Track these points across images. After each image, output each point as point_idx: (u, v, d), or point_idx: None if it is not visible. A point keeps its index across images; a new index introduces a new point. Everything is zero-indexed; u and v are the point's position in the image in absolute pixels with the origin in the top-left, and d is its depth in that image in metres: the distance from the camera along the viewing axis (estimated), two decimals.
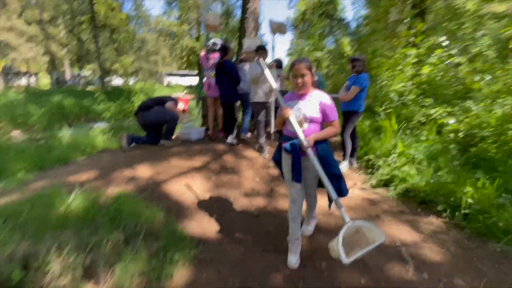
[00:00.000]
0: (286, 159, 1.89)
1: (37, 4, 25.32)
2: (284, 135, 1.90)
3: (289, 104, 1.84)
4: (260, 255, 2.05)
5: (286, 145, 1.78)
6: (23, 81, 33.90)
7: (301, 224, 2.08)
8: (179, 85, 24.65)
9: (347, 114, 3.59)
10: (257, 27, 7.65)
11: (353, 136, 3.68)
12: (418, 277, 1.78)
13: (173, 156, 3.26)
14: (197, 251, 2.04)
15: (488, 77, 3.49)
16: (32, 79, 32.87)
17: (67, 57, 32.86)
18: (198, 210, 2.47)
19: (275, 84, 1.96)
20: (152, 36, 29.59)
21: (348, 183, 3.22)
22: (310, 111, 1.76)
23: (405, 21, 9.62)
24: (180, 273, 1.91)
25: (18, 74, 34.28)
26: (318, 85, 4.25)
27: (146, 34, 28.47)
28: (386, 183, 3.14)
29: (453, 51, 4.25)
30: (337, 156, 3.91)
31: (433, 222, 2.44)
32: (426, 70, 4.57)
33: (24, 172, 2.84)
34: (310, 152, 1.70)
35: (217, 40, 4.25)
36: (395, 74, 5.05)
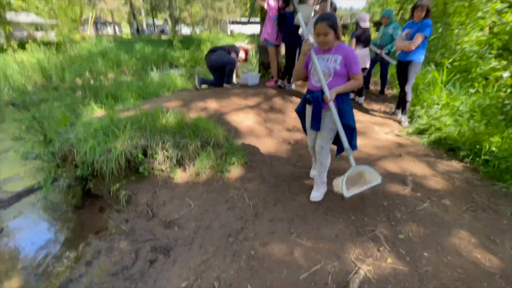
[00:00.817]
0: (309, 110, 2.05)
1: None
2: (308, 89, 2.02)
3: (317, 57, 1.90)
4: (292, 167, 2.78)
5: (310, 96, 1.93)
6: (109, 30, 38.59)
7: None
8: (242, 34, 24.72)
9: (410, 64, 3.42)
10: None
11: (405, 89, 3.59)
12: (413, 194, 2.26)
13: (233, 96, 4.04)
14: (247, 159, 2.89)
15: None
16: (117, 29, 37.01)
17: (143, 7, 35.43)
18: (250, 134, 3.28)
19: (305, 32, 2.00)
20: None
21: (385, 129, 3.57)
22: (333, 64, 1.84)
23: None
24: (235, 170, 2.80)
25: (105, 23, 38.97)
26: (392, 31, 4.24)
27: None
28: (422, 132, 3.37)
29: None
30: (384, 107, 4.13)
31: (452, 165, 2.73)
32: (509, 18, 4.02)
33: (133, 99, 4.03)
34: (332, 104, 1.83)
35: None
36: (473, 22, 4.53)
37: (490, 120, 2.88)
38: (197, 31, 37.94)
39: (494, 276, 1.50)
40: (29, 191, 3.19)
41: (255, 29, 30.71)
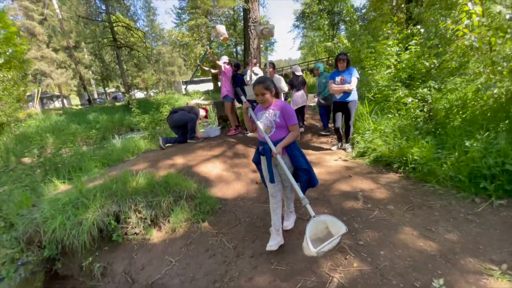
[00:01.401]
0: (263, 160, 2.20)
1: (62, 32, 27.83)
2: (259, 140, 2.23)
3: (258, 113, 2.18)
4: (262, 204, 3.04)
5: (262, 150, 2.12)
6: (56, 104, 37.44)
7: (282, 218, 2.40)
8: (197, 91, 26.12)
9: (350, 104, 3.97)
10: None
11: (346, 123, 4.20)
12: (364, 206, 2.67)
13: (198, 149, 4.34)
14: (220, 204, 3.08)
15: (435, 62, 4.19)
16: (65, 101, 36.09)
17: (92, 77, 35.79)
18: (219, 181, 3.52)
19: (243, 98, 2.36)
20: (167, 48, 31.29)
21: (333, 157, 4.12)
22: (273, 117, 2.08)
23: (402, 6, 10.08)
24: (210, 218, 2.96)
25: (51, 97, 37.91)
26: (320, 73, 5.22)
27: (161, 48, 30.26)
28: (362, 154, 3.99)
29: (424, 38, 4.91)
30: (331, 139, 4.78)
31: (390, 177, 3.28)
32: (404, 56, 5.28)
33: (97, 168, 4.05)
34: (279, 157, 2.01)
35: (225, 58, 5.25)
36: (381, 63, 5.77)
37: (408, 136, 3.61)
38: (151, 94, 39.04)
39: (435, 258, 1.86)
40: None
41: (208, 86, 32.79)
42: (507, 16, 3.22)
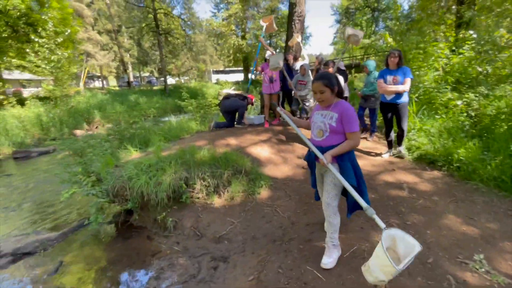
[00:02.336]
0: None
1: (107, 15, 29.41)
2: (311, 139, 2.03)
3: (316, 112, 2.00)
4: (309, 186, 3.40)
5: (306, 158, 2.06)
6: (96, 83, 40.07)
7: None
8: (227, 82, 26.80)
9: (402, 106, 3.71)
10: (302, 28, 8.79)
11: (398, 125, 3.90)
12: (409, 195, 2.93)
13: (247, 133, 4.77)
14: (271, 182, 3.49)
15: (488, 68, 4.20)
16: (104, 82, 38.47)
17: (130, 61, 37.69)
18: (269, 163, 3.93)
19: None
20: (200, 37, 32.03)
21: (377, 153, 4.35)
22: (329, 120, 1.85)
23: (453, 7, 9.71)
24: (263, 192, 3.38)
25: (91, 77, 40.57)
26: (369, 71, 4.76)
27: (196, 36, 31.06)
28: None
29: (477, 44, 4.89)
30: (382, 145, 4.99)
31: (434, 173, 3.48)
32: (455, 60, 5.28)
33: (161, 141, 4.63)
34: (331, 166, 1.79)
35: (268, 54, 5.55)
36: (429, 64, 5.78)
37: (455, 137, 3.75)
38: (182, 80, 40.44)
39: (476, 239, 2.12)
40: (80, 226, 3.54)
41: (238, 77, 33.33)
42: None
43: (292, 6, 8.75)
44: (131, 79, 41.75)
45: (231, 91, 20.28)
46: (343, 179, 1.75)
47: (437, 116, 4.33)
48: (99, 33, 31.66)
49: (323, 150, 1.86)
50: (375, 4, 19.71)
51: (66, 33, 13.77)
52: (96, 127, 13.59)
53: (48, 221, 3.92)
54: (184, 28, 25.04)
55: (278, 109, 2.27)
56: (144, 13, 22.26)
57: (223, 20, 24.62)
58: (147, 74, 48.75)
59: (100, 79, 38.11)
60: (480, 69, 4.29)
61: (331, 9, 29.08)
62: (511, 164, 2.87)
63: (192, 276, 2.44)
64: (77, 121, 12.89)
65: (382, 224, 1.60)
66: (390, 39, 8.71)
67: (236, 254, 2.58)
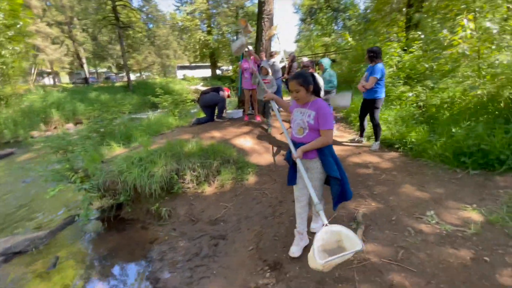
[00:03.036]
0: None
1: (57, 6, 26.84)
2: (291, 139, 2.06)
3: (295, 109, 2.03)
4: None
5: (286, 157, 2.10)
6: (46, 80, 36.37)
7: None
8: (194, 78, 26.32)
9: (370, 101, 4.01)
10: (272, 26, 9.17)
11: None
12: (374, 172, 3.49)
13: (228, 127, 5.03)
14: (258, 169, 3.83)
15: (433, 64, 5.03)
16: (54, 79, 35.08)
17: (85, 56, 34.87)
18: (253, 152, 4.26)
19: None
20: (162, 31, 30.73)
21: (343, 140, 4.91)
22: (307, 118, 1.90)
23: (403, 9, 10.85)
24: (251, 178, 3.70)
25: (41, 74, 36.73)
26: (324, 69, 4.80)
27: (158, 29, 29.76)
28: (369, 138, 4.80)
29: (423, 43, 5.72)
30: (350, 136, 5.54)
31: (392, 154, 4.11)
32: (406, 58, 6.09)
33: (142, 137, 4.66)
34: (299, 161, 1.86)
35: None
36: (384, 62, 6.56)
37: (407, 124, 4.44)
38: (144, 76, 38.60)
39: (428, 201, 2.69)
40: (68, 223, 3.51)
41: (205, 73, 32.83)
42: (494, 31, 4.05)
43: (261, 5, 9.06)
44: (84, 75, 38.70)
45: (200, 87, 20.08)
46: (305, 175, 1.82)
47: (392, 107, 5.03)
48: (49, 25, 28.78)
49: (301, 146, 1.92)
50: (336, 5, 20.94)
51: (18, 26, 12.44)
52: (55, 127, 12.62)
53: (32, 222, 3.79)
54: (145, 21, 23.91)
55: (272, 105, 2.41)
56: (101, 4, 20.81)
57: (187, 14, 24.05)
58: (104, 69, 45.55)
59: (50, 76, 34.70)
60: (427, 66, 5.08)
61: (293, 7, 30.03)
62: (452, 143, 3.56)
63: (195, 254, 2.67)
64: (33, 121, 11.86)
65: (325, 220, 1.65)
66: (350, 38, 9.55)
67: (233, 232, 2.87)
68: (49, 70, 33.65)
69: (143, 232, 3.32)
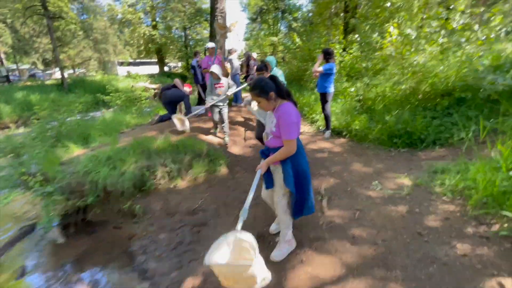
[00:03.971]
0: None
1: None
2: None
3: (269, 115, 2.00)
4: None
5: (260, 151, 2.12)
6: None
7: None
8: (137, 75, 24.66)
9: (322, 95, 4.60)
10: (225, 23, 9.39)
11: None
12: (328, 155, 4.06)
13: (193, 122, 5.11)
14: (227, 161, 4.07)
15: (368, 64, 5.98)
16: None
17: (3, 50, 29.66)
18: (221, 145, 4.46)
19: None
20: (101, 23, 27.98)
21: (303, 130, 5.45)
22: (270, 124, 1.90)
23: (341, 14, 12.11)
24: (223, 169, 3.92)
25: None
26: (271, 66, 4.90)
27: (95, 21, 26.96)
28: (319, 128, 5.45)
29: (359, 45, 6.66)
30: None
31: (341, 140, 4.79)
32: (347, 57, 6.98)
33: (100, 136, 4.45)
34: (258, 172, 1.89)
35: (210, 44, 5.93)
36: None
37: (351, 114, 5.20)
38: (77, 73, 34.60)
39: (372, 174, 3.32)
40: (25, 233, 3.23)
41: (152, 69, 31.02)
42: (413, 36, 5.02)
43: (213, 2, 9.19)
44: (5, 72, 32.93)
45: (148, 84, 18.97)
46: (254, 187, 1.85)
47: (339, 100, 5.78)
48: None
49: (270, 150, 1.97)
50: (282, 6, 22.01)
51: None
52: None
53: None
54: (79, 11, 21.44)
55: (248, 107, 2.66)
56: None
57: (128, 6, 22.38)
58: (27, 66, 39.26)
59: None
60: (364, 65, 5.96)
61: (241, 6, 30.49)
62: (386, 129, 4.35)
63: (179, 243, 2.81)
64: None
65: (238, 227, 1.66)
66: (297, 39, 10.32)
67: (213, 219, 3.08)
68: None
69: (117, 232, 3.27)
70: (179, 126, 4.45)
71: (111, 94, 6.39)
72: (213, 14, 9.35)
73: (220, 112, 4.42)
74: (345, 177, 3.31)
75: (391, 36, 4.96)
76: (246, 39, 40.13)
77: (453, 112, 4.18)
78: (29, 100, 13.63)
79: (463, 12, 4.84)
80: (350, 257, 2.03)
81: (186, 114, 5.46)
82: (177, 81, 5.34)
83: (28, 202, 3.33)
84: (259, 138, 3.74)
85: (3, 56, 29.34)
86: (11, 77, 28.86)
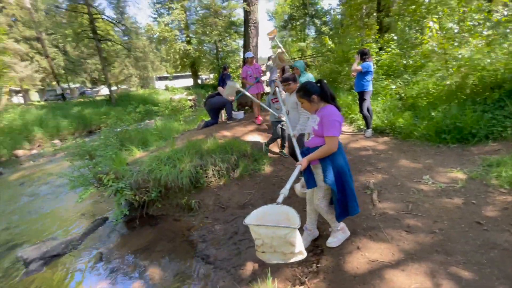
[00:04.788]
0: None
1: (23, 21, 25.91)
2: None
3: (310, 116, 2.12)
4: None
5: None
6: (14, 99, 34.45)
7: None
8: (173, 88, 26.25)
9: (359, 94, 4.63)
10: (257, 33, 9.83)
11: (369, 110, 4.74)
12: (373, 153, 4.06)
13: (235, 126, 5.44)
14: (271, 160, 4.28)
15: (409, 60, 5.84)
16: (24, 97, 33.41)
17: (56, 71, 33.63)
18: (262, 146, 4.70)
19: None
20: (143, 42, 30.41)
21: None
22: (313, 124, 1.98)
23: (374, 14, 11.92)
24: (267, 168, 4.14)
25: (8, 92, 34.77)
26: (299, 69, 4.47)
27: (137, 41, 29.42)
28: (361, 128, 5.43)
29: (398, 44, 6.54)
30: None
31: (385, 139, 4.74)
32: (385, 56, 6.88)
33: (157, 141, 4.95)
34: (297, 168, 1.90)
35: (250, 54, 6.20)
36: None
37: (394, 112, 5.12)
38: (121, 89, 37.88)
39: (421, 169, 3.28)
40: (97, 225, 3.74)
41: (186, 82, 32.88)
42: (456, 30, 4.86)
43: (247, 14, 9.69)
44: (58, 91, 37.25)
45: (184, 96, 20.21)
46: (293, 175, 1.85)
47: (379, 99, 5.72)
48: (16, 41, 27.58)
49: (309, 150, 2.00)
50: (313, 12, 22.16)
51: None
52: (39, 146, 12.27)
53: (57, 231, 3.93)
54: (124, 33, 23.68)
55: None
56: (71, 17, 20.36)
57: (165, 25, 24.18)
58: (77, 85, 44.10)
59: (19, 94, 32.97)
60: (404, 62, 5.85)
61: (267, 15, 31.28)
62: (433, 125, 4.23)
63: (234, 233, 3.06)
64: (16, 140, 11.45)
65: (279, 199, 1.73)
66: (330, 42, 10.35)
67: None
68: (18, 88, 32.07)
69: (177, 224, 3.62)
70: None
71: (159, 105, 7.01)
72: (247, 25, 9.83)
73: (281, 128, 4.35)
74: (393, 172, 3.31)
75: (431, 31, 4.84)
76: (273, 47, 40.80)
77: (504, 105, 3.95)
78: (84, 115, 15.37)
79: (505, 4, 4.57)
80: (407, 244, 2.08)
81: (228, 119, 5.82)
82: (220, 89, 5.73)
83: (100, 200, 3.83)
84: (292, 154, 3.67)
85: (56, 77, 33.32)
86: (68, 96, 32.55)
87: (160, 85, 35.51)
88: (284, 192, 1.79)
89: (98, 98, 22.73)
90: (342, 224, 2.24)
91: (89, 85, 41.24)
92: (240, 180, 4.01)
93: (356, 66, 4.52)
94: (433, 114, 4.40)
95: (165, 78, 39.72)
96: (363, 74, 4.54)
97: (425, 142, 4.19)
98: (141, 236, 3.47)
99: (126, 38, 29.95)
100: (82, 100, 22.61)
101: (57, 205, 4.77)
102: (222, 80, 5.94)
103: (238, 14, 22.31)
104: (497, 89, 4.10)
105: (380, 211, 2.56)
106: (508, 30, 4.44)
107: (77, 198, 3.72)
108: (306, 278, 2.07)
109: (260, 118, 5.80)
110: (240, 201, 3.60)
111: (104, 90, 42.07)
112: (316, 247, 2.40)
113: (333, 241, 2.23)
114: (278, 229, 1.50)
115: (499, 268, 1.68)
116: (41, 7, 21.48)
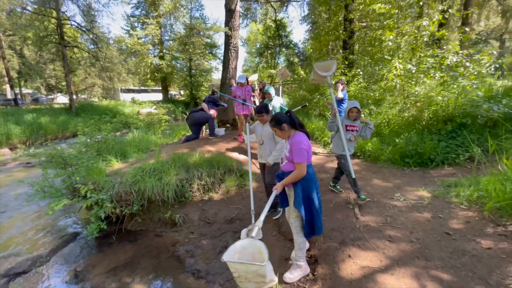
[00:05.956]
0: None
1: None
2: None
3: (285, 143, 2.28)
4: None
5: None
6: None
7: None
8: (144, 101, 25.41)
9: None
10: (237, 56, 10.28)
11: None
12: None
13: (218, 142, 5.51)
14: (256, 176, 4.40)
15: (376, 93, 6.66)
16: None
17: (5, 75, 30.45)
18: (247, 163, 4.81)
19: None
20: (113, 52, 29.16)
21: (315, 150, 5.87)
22: (285, 150, 2.19)
23: (340, 51, 13.25)
24: (253, 184, 4.23)
25: None
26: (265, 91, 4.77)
27: (107, 51, 28.18)
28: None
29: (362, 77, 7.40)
30: None
31: (356, 161, 5.19)
32: (352, 88, 7.69)
33: (135, 153, 4.77)
34: (274, 192, 2.11)
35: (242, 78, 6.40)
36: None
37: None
38: (82, 99, 35.48)
39: (392, 188, 3.68)
40: (66, 241, 3.40)
41: (153, 96, 32.04)
42: (413, 71, 5.72)
43: (228, 38, 10.13)
44: (10, 96, 33.49)
45: (153, 110, 19.61)
46: (269, 203, 2.06)
47: None
48: None
49: (284, 174, 2.21)
50: (287, 43, 23.85)
51: None
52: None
53: (19, 246, 3.48)
54: (94, 42, 22.61)
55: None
56: (36, 20, 19.01)
57: (138, 39, 23.81)
58: (29, 90, 40.17)
59: None
60: (372, 94, 6.63)
61: (240, 41, 32.83)
62: (397, 150, 4.80)
63: (223, 247, 3.05)
64: None
65: (253, 234, 1.98)
66: (302, 72, 11.21)
67: None
68: None
69: (159, 239, 3.47)
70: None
71: (134, 117, 6.80)
72: (227, 48, 10.24)
73: None
74: (369, 190, 3.66)
75: (396, 70, 5.65)
76: (245, 71, 42.41)
77: (456, 135, 4.69)
78: (39, 122, 13.97)
79: (456, 52, 5.60)
80: (392, 251, 2.33)
81: (210, 135, 5.87)
82: (204, 105, 5.82)
83: (65, 214, 3.51)
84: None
85: (6, 80, 30.06)
86: (20, 102, 29.32)
87: (125, 97, 34.00)
88: (259, 224, 2.00)
89: (57, 106, 20.84)
90: (302, 260, 2.31)
91: (43, 91, 37.91)
92: (225, 195, 4.04)
93: (340, 94, 5.02)
94: (397, 140, 5.01)
95: (132, 90, 38.30)
96: (339, 101, 5.03)
97: (391, 165, 4.72)
98: (120, 252, 3.25)
99: (93, 47, 28.58)
100: (36, 107, 20.56)
101: (13, 217, 4.22)
102: (209, 101, 5.92)
103: (214, 37, 23.07)
104: (449, 122, 4.86)
105: (363, 223, 2.81)
106: (458, 73, 5.37)
107: (35, 210, 3.39)
108: (305, 286, 2.17)
109: (243, 137, 5.95)
110: (227, 216, 3.61)
111: (60, 98, 39.04)
112: (310, 257, 2.53)
113: (289, 277, 2.28)
114: (250, 266, 1.79)
115: (472, 271, 1.98)
116: (5, 7, 19.73)
